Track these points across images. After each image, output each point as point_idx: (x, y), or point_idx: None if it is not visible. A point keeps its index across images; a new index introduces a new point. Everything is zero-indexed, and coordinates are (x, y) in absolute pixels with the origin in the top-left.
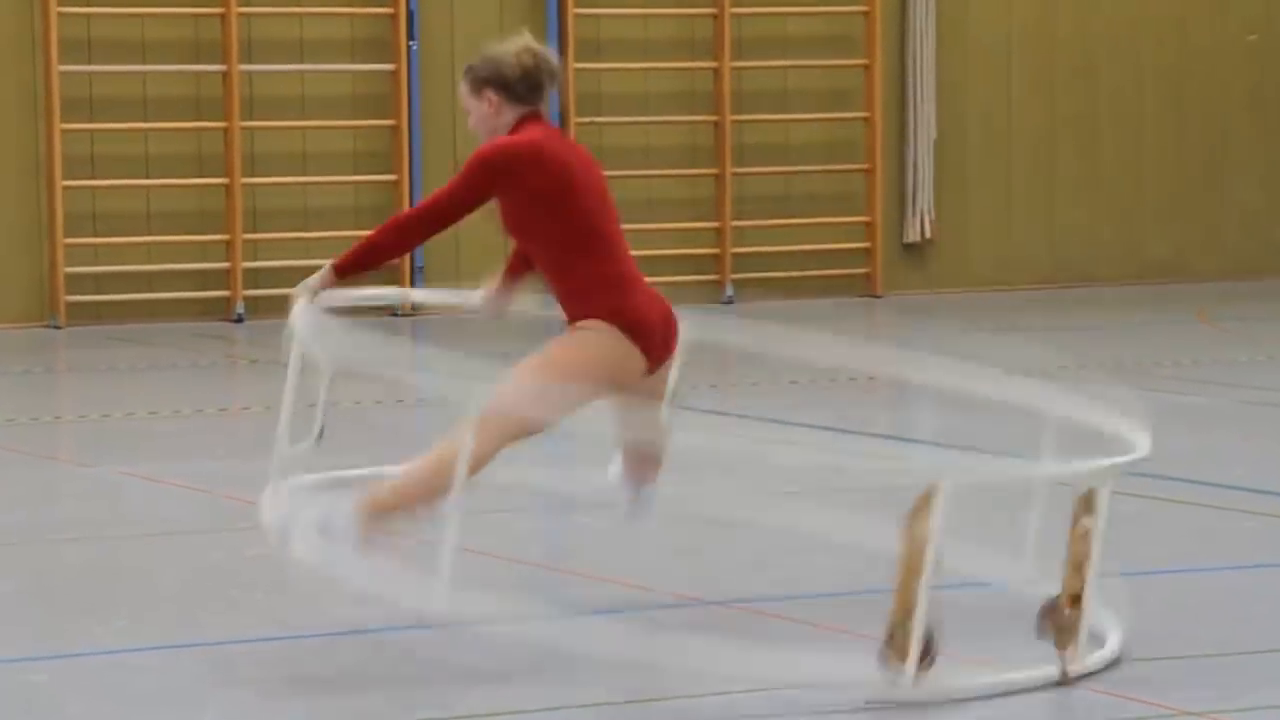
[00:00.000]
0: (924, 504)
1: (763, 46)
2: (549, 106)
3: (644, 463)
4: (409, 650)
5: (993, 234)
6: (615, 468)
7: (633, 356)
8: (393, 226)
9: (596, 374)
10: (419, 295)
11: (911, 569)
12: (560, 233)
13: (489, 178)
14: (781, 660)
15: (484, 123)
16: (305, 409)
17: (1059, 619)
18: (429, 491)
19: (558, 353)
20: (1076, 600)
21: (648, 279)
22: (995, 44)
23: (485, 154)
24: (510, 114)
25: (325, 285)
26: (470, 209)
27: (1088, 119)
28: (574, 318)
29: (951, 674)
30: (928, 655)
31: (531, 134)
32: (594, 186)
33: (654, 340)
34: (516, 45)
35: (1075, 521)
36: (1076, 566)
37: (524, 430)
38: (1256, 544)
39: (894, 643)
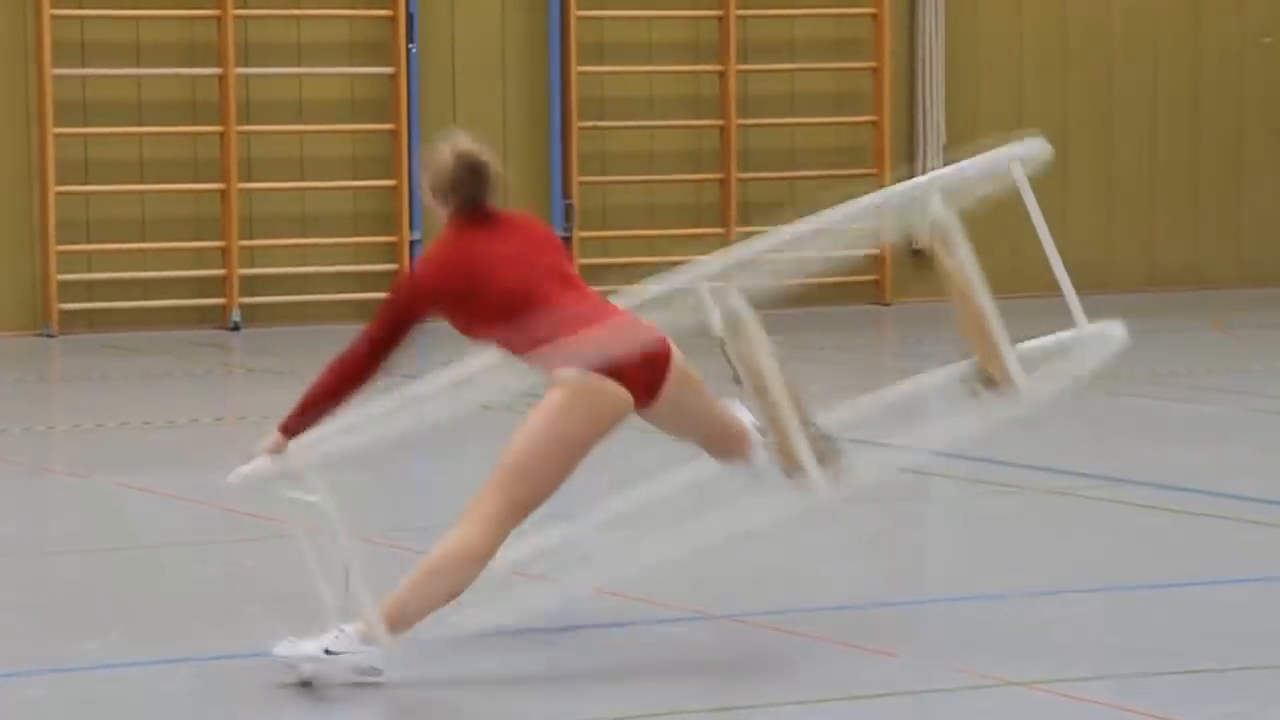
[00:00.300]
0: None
1: (769, 50)
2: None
3: (728, 448)
4: (407, 662)
5: (1003, 240)
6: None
7: (605, 397)
8: (332, 376)
9: (580, 440)
10: (418, 410)
11: (758, 393)
12: (491, 325)
13: (403, 313)
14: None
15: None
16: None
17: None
18: (437, 599)
19: (539, 430)
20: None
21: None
22: (1006, 47)
23: (392, 295)
24: (444, 211)
25: (277, 448)
26: (399, 343)
27: (1100, 123)
28: (547, 371)
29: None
30: (832, 457)
31: (433, 254)
32: (513, 260)
33: (629, 371)
34: (441, 152)
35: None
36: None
37: (522, 515)
38: (1269, 557)
39: (788, 460)
